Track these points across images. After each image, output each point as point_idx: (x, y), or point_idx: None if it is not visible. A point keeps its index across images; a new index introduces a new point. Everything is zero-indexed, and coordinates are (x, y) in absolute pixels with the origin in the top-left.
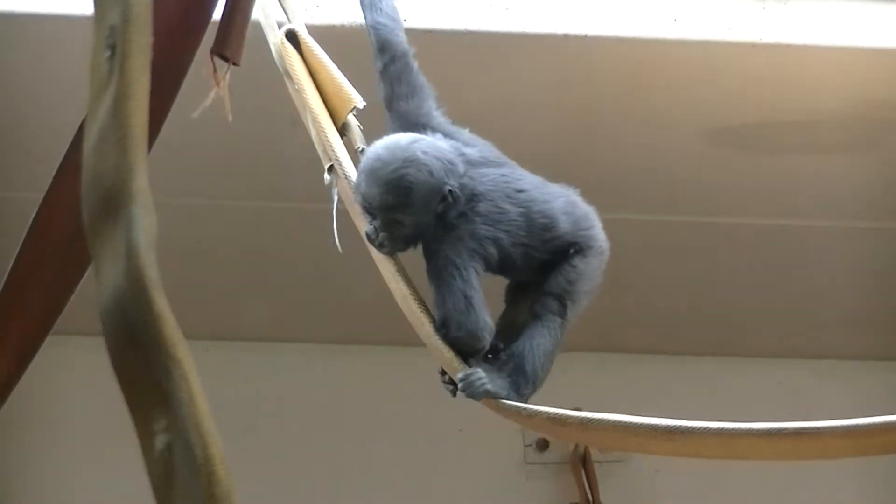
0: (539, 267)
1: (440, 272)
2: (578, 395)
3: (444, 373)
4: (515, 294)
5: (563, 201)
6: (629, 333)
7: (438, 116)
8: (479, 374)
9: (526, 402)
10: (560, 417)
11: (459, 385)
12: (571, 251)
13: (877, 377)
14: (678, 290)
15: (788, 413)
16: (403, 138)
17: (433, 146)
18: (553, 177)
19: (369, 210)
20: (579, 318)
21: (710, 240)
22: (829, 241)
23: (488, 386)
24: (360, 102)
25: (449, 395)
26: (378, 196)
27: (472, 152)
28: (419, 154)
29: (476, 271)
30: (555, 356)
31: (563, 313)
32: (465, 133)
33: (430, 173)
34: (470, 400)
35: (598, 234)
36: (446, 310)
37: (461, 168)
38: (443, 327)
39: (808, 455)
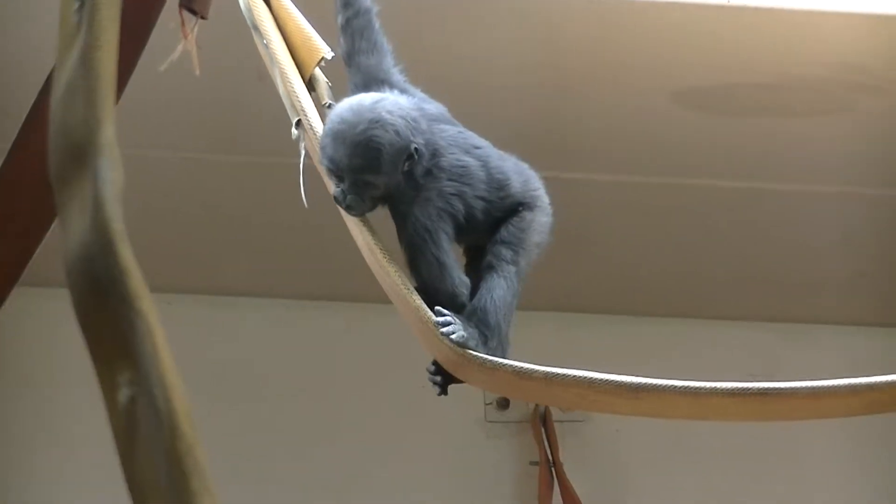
0: (492, 225)
1: (412, 238)
2: (542, 355)
3: (436, 372)
4: (471, 265)
5: (513, 163)
6: (596, 294)
7: (397, 73)
8: (455, 320)
9: (493, 355)
10: (524, 372)
11: (438, 329)
12: (520, 209)
13: (842, 342)
14: (645, 252)
15: (751, 377)
16: (366, 99)
17: (396, 105)
18: (521, 136)
19: (336, 173)
20: (547, 277)
21: (679, 201)
22: (800, 204)
23: (462, 332)
24: (328, 53)
25: (436, 390)
26: (346, 158)
27: (430, 108)
28: (384, 114)
29: (446, 233)
30: (514, 308)
31: (516, 261)
32: (420, 93)
33: (397, 132)
34: (432, 358)
35: (544, 195)
36: (422, 277)
37: (424, 124)
38: (422, 293)
39: (774, 416)
